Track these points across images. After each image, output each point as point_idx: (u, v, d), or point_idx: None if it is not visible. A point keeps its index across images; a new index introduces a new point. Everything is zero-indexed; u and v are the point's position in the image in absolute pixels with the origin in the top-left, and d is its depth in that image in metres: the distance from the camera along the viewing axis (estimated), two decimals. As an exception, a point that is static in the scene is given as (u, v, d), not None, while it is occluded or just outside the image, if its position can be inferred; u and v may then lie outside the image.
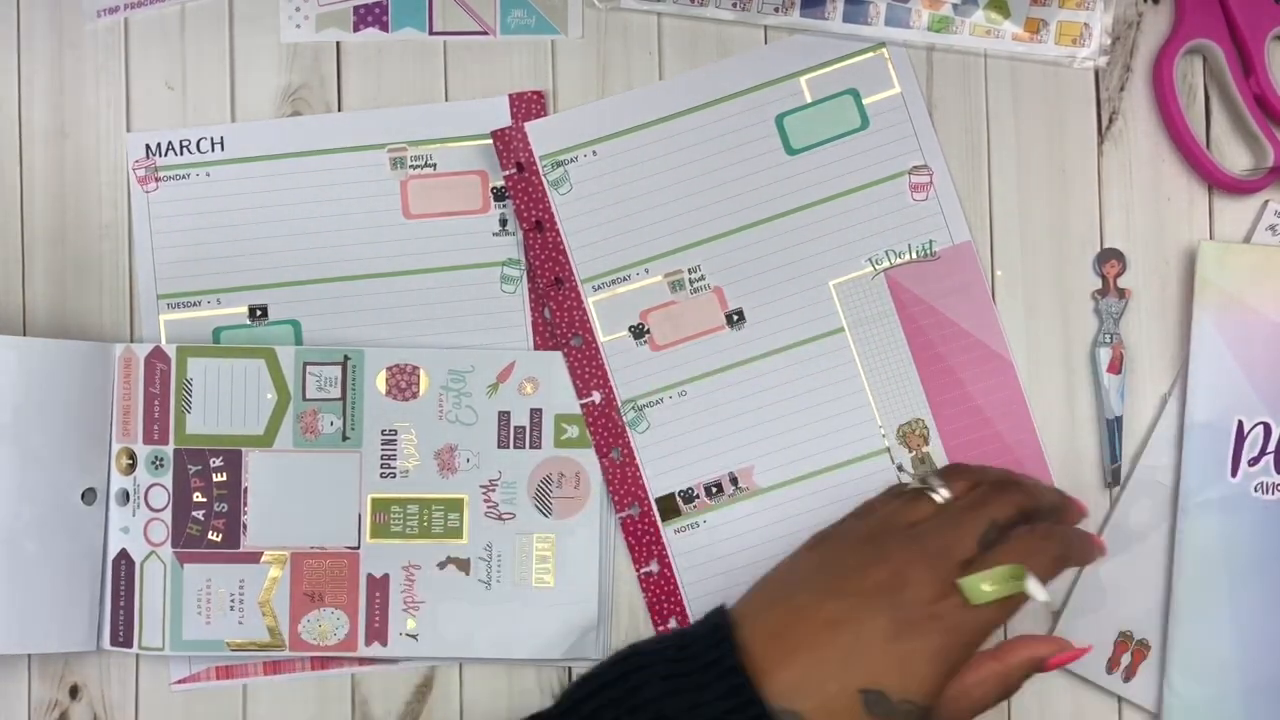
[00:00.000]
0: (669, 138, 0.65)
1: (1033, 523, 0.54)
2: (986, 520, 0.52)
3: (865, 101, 0.65)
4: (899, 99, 0.65)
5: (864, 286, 0.64)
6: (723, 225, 0.64)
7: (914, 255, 0.64)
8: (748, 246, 0.64)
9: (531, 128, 0.65)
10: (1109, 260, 0.64)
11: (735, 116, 0.65)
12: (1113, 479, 0.63)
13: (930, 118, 0.64)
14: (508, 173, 0.64)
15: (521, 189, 0.64)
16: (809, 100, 0.65)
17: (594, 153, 0.65)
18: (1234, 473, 0.62)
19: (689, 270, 0.64)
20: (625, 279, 0.64)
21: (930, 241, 0.64)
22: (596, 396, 0.64)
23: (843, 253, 0.64)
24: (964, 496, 0.54)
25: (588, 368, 0.64)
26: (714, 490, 0.64)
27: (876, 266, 0.64)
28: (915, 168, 0.64)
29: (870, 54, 0.65)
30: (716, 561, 0.64)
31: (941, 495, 0.54)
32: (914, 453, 0.64)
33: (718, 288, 0.64)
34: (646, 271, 0.64)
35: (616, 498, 0.64)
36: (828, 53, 0.65)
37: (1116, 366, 0.63)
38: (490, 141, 0.65)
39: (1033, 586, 0.50)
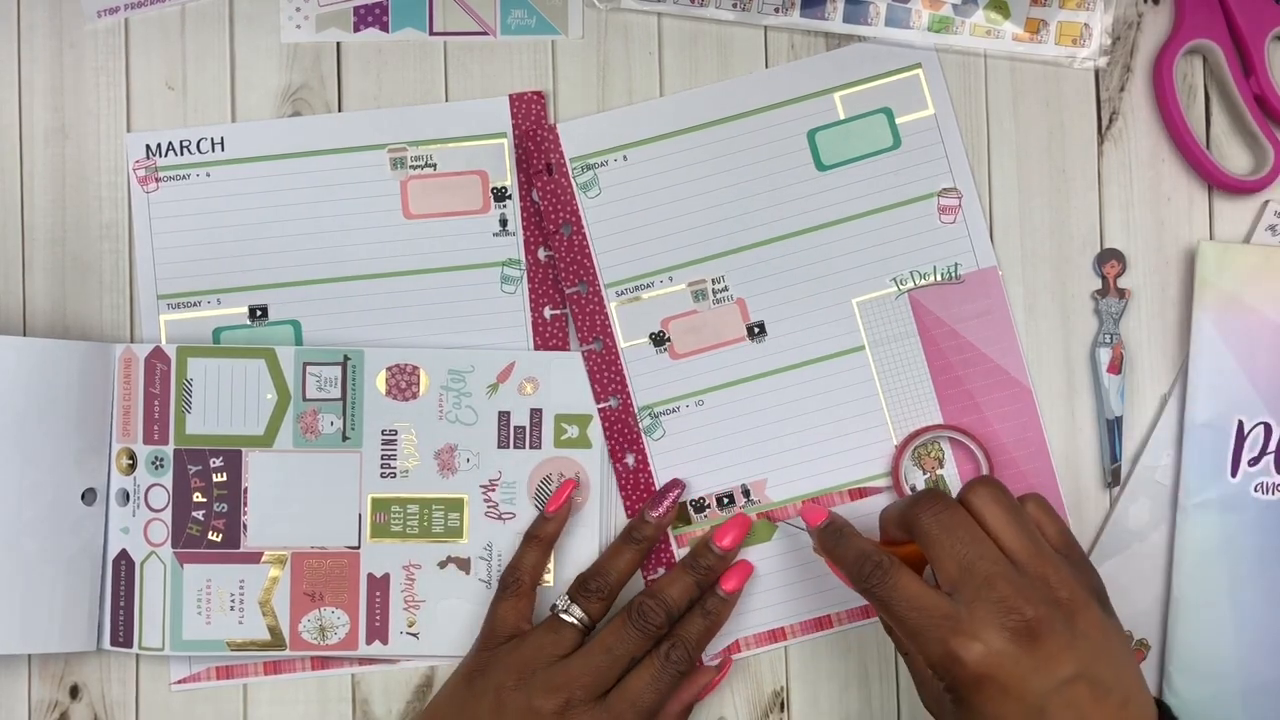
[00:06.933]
0: (700, 146, 0.65)
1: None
2: (624, 659, 0.58)
3: (898, 121, 0.64)
4: (932, 120, 0.64)
5: (887, 306, 0.64)
6: (749, 237, 0.64)
7: (939, 277, 0.64)
8: (773, 260, 0.64)
9: (564, 129, 0.65)
10: (1109, 260, 0.64)
11: (768, 129, 0.64)
12: (1113, 479, 0.63)
13: (963, 140, 0.64)
14: (534, 173, 0.64)
15: (550, 190, 0.64)
16: (842, 117, 0.65)
17: (624, 158, 0.65)
18: (1234, 473, 0.62)
19: (713, 280, 0.64)
20: (649, 286, 0.64)
21: (956, 264, 0.64)
22: (614, 401, 0.64)
23: (867, 271, 0.64)
24: (608, 627, 0.59)
25: (606, 372, 0.64)
26: (726, 501, 0.64)
27: (900, 286, 0.64)
28: (945, 190, 0.64)
29: (905, 74, 0.65)
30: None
31: (575, 618, 0.59)
32: (928, 475, 0.63)
33: (740, 299, 0.64)
34: (670, 279, 0.64)
35: (628, 503, 0.64)
36: (863, 70, 0.65)
37: (1116, 367, 0.63)
38: (493, 141, 0.65)
39: None
